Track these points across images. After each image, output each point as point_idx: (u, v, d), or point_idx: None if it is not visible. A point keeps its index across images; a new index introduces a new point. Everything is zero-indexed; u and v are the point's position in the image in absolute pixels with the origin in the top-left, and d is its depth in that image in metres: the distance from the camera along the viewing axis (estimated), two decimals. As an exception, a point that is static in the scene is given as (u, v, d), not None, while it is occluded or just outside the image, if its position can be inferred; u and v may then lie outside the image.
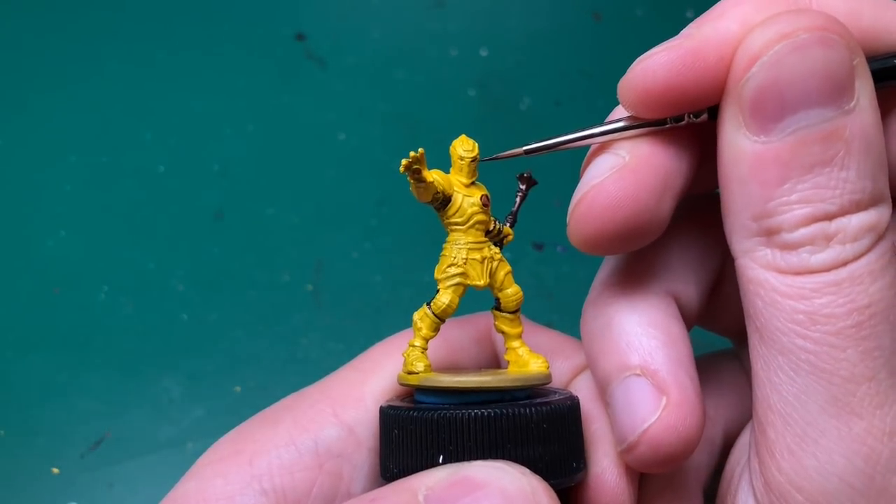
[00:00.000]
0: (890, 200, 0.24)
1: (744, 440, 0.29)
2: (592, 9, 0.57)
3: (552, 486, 0.25)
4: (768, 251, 0.24)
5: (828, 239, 0.23)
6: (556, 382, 0.32)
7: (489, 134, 0.45)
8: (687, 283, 0.29)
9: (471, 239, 0.29)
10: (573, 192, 0.27)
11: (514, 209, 0.31)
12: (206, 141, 0.53)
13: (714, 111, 0.25)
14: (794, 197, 0.23)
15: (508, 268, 0.29)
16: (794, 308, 0.23)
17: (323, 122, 0.53)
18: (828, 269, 0.23)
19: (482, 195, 0.29)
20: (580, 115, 0.53)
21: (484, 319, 0.34)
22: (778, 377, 0.24)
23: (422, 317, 0.28)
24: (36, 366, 0.47)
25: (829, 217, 0.23)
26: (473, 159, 0.29)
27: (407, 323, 0.29)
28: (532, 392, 0.29)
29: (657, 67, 0.25)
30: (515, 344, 0.30)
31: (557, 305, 0.50)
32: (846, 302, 0.23)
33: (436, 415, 0.25)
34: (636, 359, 0.27)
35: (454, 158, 0.29)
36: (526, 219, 0.31)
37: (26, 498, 0.44)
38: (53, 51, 0.54)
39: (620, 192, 0.26)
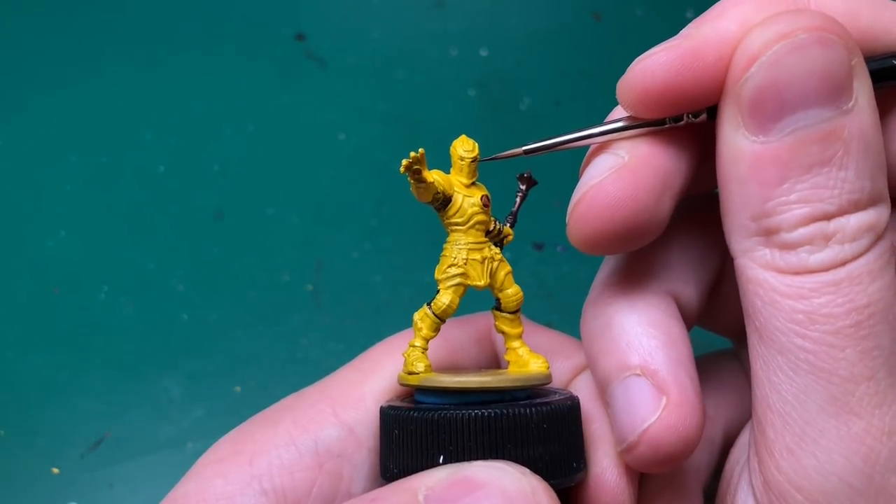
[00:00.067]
0: (889, 200, 0.24)
1: (743, 440, 0.29)
2: (592, 9, 0.57)
3: (552, 486, 0.25)
4: (767, 251, 0.24)
5: (826, 239, 0.23)
6: (556, 382, 0.32)
7: (489, 134, 0.45)
8: (686, 282, 0.29)
9: (471, 239, 0.29)
10: (573, 192, 0.27)
11: (514, 209, 0.31)
12: (206, 141, 0.53)
13: (713, 111, 0.26)
14: (792, 197, 0.23)
15: (508, 268, 0.29)
16: (793, 308, 0.23)
17: (323, 122, 0.53)
18: (826, 269, 0.23)
19: (482, 195, 0.29)
20: (580, 115, 0.53)
21: (484, 319, 0.34)
22: (777, 377, 0.24)
23: (422, 317, 0.28)
24: (36, 366, 0.47)
25: (828, 217, 0.23)
26: (473, 159, 0.29)
27: (407, 323, 0.29)
28: (532, 392, 0.29)
29: (656, 67, 0.25)
30: (515, 344, 0.30)
31: (557, 305, 0.50)
32: (845, 301, 0.23)
33: (436, 415, 0.25)
34: (636, 359, 0.27)
35: (454, 159, 0.29)
36: (526, 219, 0.31)
37: (26, 498, 0.44)
38: (53, 51, 0.54)
39: (619, 192, 0.26)
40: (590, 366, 0.29)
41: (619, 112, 0.28)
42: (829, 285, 0.23)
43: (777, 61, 0.23)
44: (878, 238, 0.24)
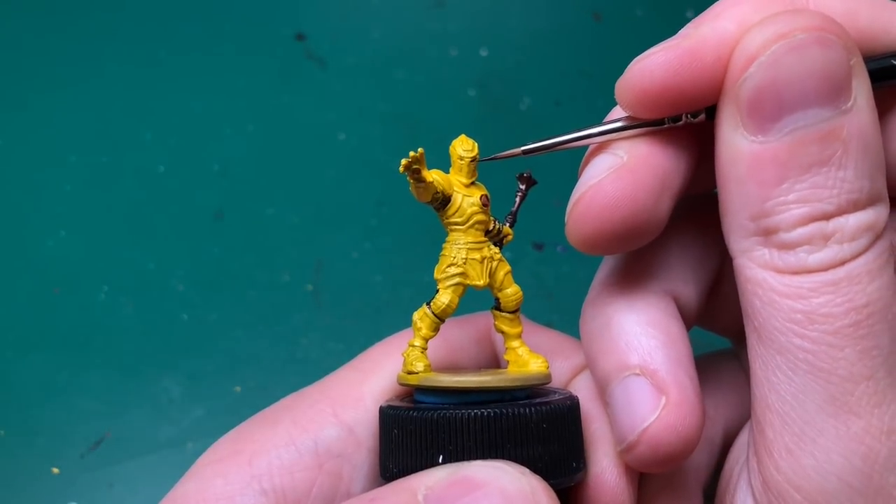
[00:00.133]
0: (888, 200, 0.24)
1: (743, 439, 0.29)
2: (592, 9, 0.57)
3: (552, 485, 0.25)
4: (766, 251, 0.24)
5: (825, 238, 0.23)
6: (556, 382, 0.32)
7: (489, 134, 0.45)
8: (686, 282, 0.29)
9: (470, 239, 0.29)
10: (572, 192, 0.27)
11: (514, 209, 0.31)
12: (206, 141, 0.53)
13: (712, 111, 0.25)
14: (791, 197, 0.23)
15: (508, 268, 0.29)
16: (791, 307, 0.23)
17: (323, 122, 0.53)
18: (825, 269, 0.23)
19: (482, 195, 0.29)
20: (580, 115, 0.53)
21: (484, 319, 0.34)
22: (776, 376, 0.24)
23: (421, 317, 0.28)
24: (36, 366, 0.47)
25: (827, 217, 0.23)
26: (473, 159, 0.29)
27: (407, 323, 0.29)
28: (532, 392, 0.29)
29: (654, 67, 0.25)
30: (515, 344, 0.30)
31: (557, 305, 0.50)
32: (844, 301, 0.23)
33: (435, 415, 0.25)
34: (635, 358, 0.27)
35: (454, 158, 0.29)
36: (526, 219, 0.31)
37: (26, 498, 0.44)
38: (53, 51, 0.54)
39: (618, 192, 0.26)
40: (589, 365, 0.29)
41: (618, 112, 0.28)
42: (828, 285, 0.23)
43: (776, 61, 0.23)
44: (877, 238, 0.24)
